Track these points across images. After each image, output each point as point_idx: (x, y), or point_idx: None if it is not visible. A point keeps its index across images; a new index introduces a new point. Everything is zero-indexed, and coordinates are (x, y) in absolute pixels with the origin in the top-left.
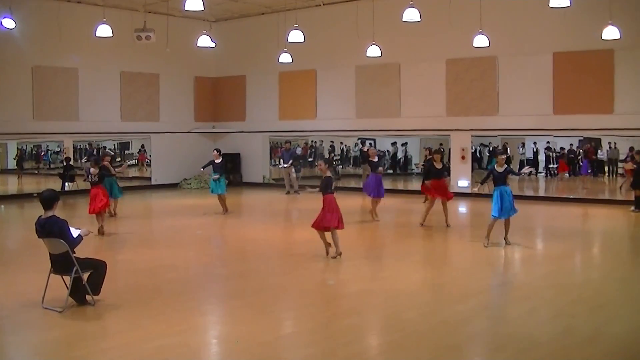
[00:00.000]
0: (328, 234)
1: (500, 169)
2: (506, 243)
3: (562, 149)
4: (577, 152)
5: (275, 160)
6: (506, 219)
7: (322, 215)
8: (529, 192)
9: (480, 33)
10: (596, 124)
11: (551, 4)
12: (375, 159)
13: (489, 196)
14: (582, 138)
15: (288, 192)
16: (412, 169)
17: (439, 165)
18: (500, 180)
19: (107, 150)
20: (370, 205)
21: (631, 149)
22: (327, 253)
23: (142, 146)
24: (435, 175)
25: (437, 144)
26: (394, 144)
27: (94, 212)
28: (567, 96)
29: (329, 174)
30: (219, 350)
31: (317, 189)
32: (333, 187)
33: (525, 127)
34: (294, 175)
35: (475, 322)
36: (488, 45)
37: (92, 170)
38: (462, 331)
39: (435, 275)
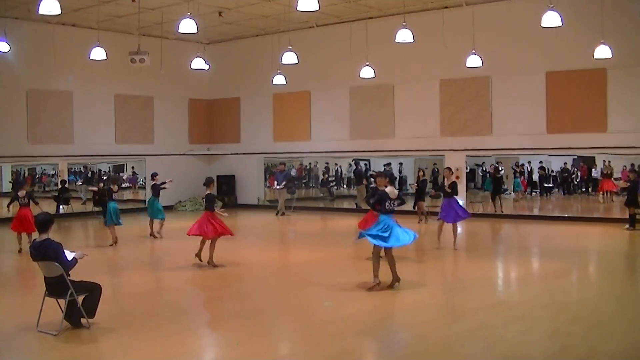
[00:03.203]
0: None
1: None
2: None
3: (522, 166)
4: (572, 171)
5: (269, 182)
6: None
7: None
8: (523, 212)
9: (474, 53)
10: (590, 143)
11: (543, 24)
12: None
13: (484, 216)
14: (575, 157)
15: (277, 214)
16: (407, 190)
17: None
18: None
19: (118, 175)
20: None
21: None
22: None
23: (132, 168)
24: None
25: (432, 164)
26: (388, 164)
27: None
28: (561, 115)
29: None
30: None
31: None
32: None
33: (520, 147)
34: (286, 197)
35: (472, 342)
36: (481, 65)
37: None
38: (459, 351)
39: (430, 295)
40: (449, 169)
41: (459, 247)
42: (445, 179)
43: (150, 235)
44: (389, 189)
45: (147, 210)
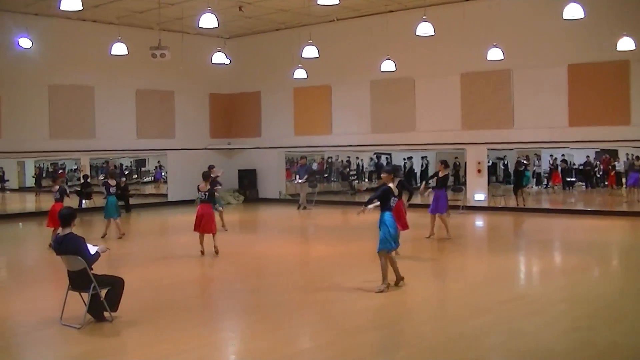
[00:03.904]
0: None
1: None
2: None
3: (555, 159)
4: (595, 165)
5: (291, 176)
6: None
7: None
8: (545, 205)
9: (495, 46)
10: (613, 136)
11: (565, 16)
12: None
13: (504, 209)
14: (598, 150)
15: (299, 207)
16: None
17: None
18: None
19: (115, 170)
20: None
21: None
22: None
23: (158, 162)
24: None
25: (453, 158)
26: (409, 158)
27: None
28: (583, 108)
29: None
30: None
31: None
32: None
33: (541, 140)
34: (307, 191)
35: (491, 336)
36: (502, 58)
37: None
38: (478, 345)
39: (450, 289)
40: (443, 162)
41: (481, 240)
42: (440, 172)
43: (223, 227)
44: (392, 185)
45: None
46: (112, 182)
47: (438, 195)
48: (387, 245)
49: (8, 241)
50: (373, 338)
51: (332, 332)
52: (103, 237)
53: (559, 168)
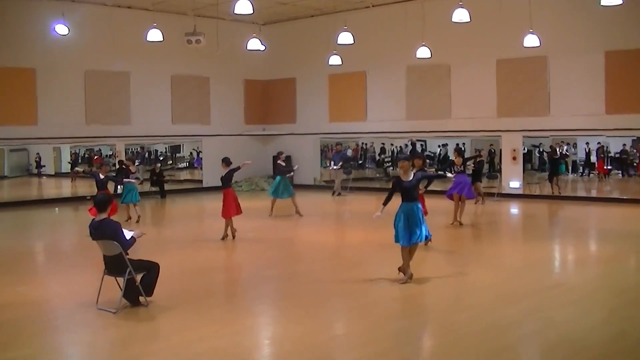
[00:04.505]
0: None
1: (406, 178)
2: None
3: (601, 147)
4: (631, 153)
5: (325, 162)
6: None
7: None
8: (581, 193)
9: (531, 33)
10: None
11: (603, 2)
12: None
13: (539, 197)
14: (634, 138)
15: (334, 194)
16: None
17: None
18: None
19: (134, 155)
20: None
21: None
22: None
23: (196, 148)
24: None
25: (488, 145)
26: (444, 145)
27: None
28: (620, 95)
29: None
30: (272, 351)
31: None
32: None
33: (577, 128)
34: (342, 177)
35: (527, 325)
36: (539, 44)
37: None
38: (513, 333)
39: (486, 277)
40: (458, 150)
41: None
42: (455, 160)
43: (297, 213)
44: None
45: (274, 191)
46: (132, 167)
47: (460, 179)
48: (395, 239)
49: (45, 226)
50: (408, 326)
51: (365, 320)
52: (137, 221)
53: (601, 156)
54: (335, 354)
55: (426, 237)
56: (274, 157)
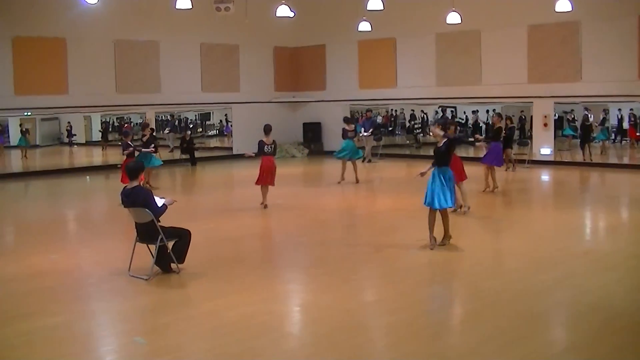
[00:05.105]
0: None
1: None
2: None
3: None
4: None
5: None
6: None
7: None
8: (613, 160)
9: None
10: None
11: None
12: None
13: (570, 164)
14: None
15: (364, 160)
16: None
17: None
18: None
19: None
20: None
21: None
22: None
23: (225, 116)
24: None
25: (519, 111)
26: (475, 112)
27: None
28: None
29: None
30: (303, 318)
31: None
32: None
33: (609, 94)
34: (372, 144)
35: (558, 291)
36: (571, 9)
37: None
38: (544, 300)
39: (516, 244)
40: (499, 114)
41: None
42: (494, 125)
43: (357, 181)
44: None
45: (342, 153)
46: (147, 133)
47: (493, 147)
48: (424, 201)
49: (77, 194)
50: (439, 292)
51: (397, 286)
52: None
53: (632, 122)
54: (365, 321)
55: (447, 206)
56: (304, 124)
